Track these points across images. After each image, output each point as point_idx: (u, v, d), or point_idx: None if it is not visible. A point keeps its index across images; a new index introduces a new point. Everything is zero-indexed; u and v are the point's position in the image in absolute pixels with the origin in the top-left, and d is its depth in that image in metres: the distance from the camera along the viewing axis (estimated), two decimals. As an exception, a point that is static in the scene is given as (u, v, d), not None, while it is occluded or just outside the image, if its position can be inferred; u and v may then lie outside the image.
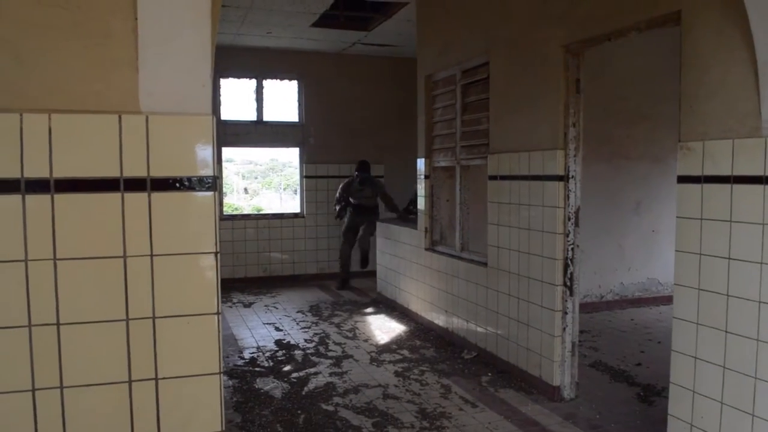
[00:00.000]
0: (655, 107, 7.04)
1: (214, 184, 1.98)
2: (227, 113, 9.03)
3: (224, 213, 9.91)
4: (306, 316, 7.14)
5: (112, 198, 1.89)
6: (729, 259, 3.03)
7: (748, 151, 2.93)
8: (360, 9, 7.29)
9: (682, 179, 3.31)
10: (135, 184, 1.91)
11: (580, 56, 4.32)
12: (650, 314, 7.07)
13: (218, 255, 2.00)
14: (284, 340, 6.11)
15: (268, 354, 5.63)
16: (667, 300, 7.14)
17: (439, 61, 6.18)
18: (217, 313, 2.01)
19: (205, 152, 1.97)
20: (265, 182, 18.23)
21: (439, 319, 6.21)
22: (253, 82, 9.17)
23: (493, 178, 5.15)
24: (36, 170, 1.82)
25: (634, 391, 4.64)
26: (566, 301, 4.42)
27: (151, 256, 1.93)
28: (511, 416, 4.19)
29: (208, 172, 1.97)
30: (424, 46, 6.54)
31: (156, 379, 1.97)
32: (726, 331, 3.05)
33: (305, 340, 6.05)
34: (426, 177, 6.51)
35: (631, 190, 7.33)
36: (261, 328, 6.62)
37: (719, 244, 3.09)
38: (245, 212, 13.14)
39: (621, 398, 4.51)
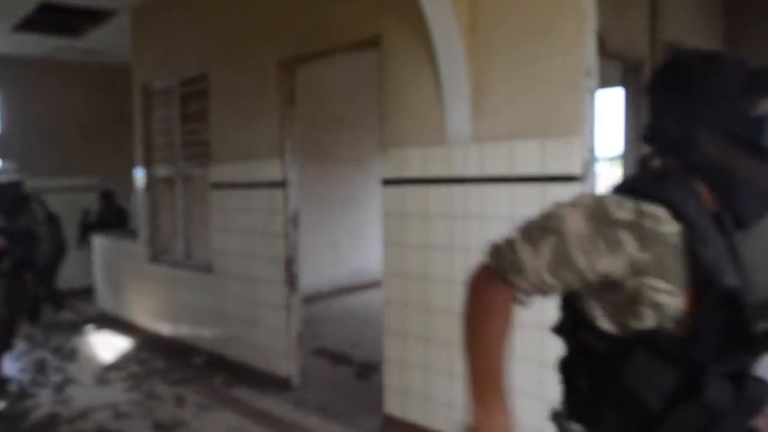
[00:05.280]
0: (358, 116, 7.68)
1: None
2: None
3: None
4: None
5: None
6: (426, 247, 3.46)
7: (437, 156, 3.39)
8: (68, 14, 6.51)
9: (387, 182, 3.68)
10: None
11: (294, 71, 4.51)
12: (363, 299, 7.63)
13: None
14: (-9, 373, 5.30)
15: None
16: (377, 285, 7.77)
17: (157, 70, 5.92)
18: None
19: None
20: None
21: (167, 329, 5.95)
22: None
23: (216, 186, 5.12)
24: None
25: (354, 370, 4.99)
26: (290, 297, 4.57)
27: None
28: (246, 412, 4.21)
29: None
30: (141, 55, 6.20)
31: None
32: (427, 309, 3.49)
33: (19, 371, 5.31)
34: (145, 187, 6.20)
35: (340, 191, 7.88)
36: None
37: (419, 235, 3.50)
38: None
39: (343, 378, 4.82)
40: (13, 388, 4.85)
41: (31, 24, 6.63)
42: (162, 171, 6.01)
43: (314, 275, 7.53)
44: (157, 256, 6.14)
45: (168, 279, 5.87)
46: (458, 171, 3.28)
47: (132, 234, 6.73)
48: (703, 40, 5.88)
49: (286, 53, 4.42)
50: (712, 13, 6.10)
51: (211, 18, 5.15)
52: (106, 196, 8.48)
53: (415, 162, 3.50)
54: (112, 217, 8.31)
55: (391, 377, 3.75)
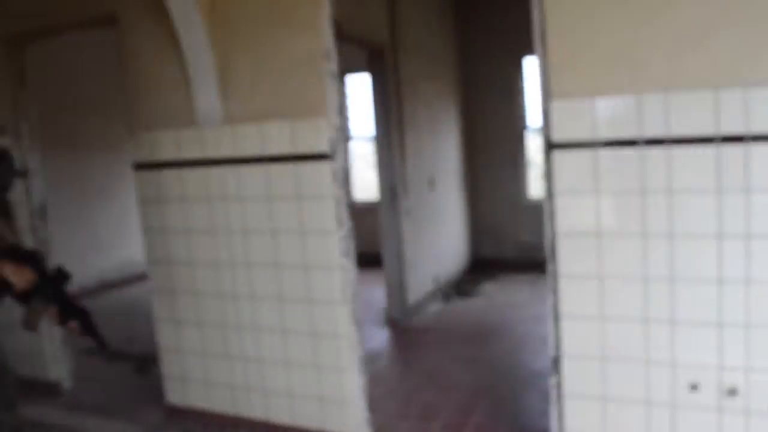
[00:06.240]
0: (108, 98, 7.05)
1: None
2: None
3: None
4: None
5: None
6: (188, 231, 3.38)
7: (189, 139, 3.29)
8: None
9: (139, 166, 3.49)
10: None
11: (24, 48, 4.02)
12: (134, 292, 7.17)
13: None
14: None
15: None
16: (145, 277, 7.35)
17: None
18: None
19: None
20: None
21: None
22: None
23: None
24: None
25: (131, 366, 4.74)
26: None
27: None
28: (11, 426, 3.83)
29: None
30: None
31: None
32: (196, 293, 3.43)
33: None
34: None
35: (97, 178, 7.29)
36: None
37: (179, 219, 3.40)
38: None
39: (120, 375, 4.56)
40: None
41: None
42: None
43: (76, 271, 6.89)
44: None
45: None
46: (212, 153, 3.22)
47: None
48: (438, 26, 6.35)
49: (11, 28, 3.92)
50: (444, 7, 6.59)
51: None
52: None
53: (168, 145, 3.36)
54: None
55: (169, 366, 3.65)
